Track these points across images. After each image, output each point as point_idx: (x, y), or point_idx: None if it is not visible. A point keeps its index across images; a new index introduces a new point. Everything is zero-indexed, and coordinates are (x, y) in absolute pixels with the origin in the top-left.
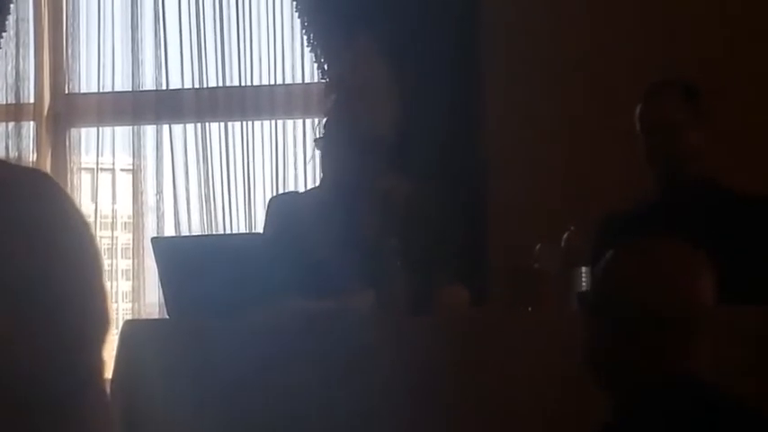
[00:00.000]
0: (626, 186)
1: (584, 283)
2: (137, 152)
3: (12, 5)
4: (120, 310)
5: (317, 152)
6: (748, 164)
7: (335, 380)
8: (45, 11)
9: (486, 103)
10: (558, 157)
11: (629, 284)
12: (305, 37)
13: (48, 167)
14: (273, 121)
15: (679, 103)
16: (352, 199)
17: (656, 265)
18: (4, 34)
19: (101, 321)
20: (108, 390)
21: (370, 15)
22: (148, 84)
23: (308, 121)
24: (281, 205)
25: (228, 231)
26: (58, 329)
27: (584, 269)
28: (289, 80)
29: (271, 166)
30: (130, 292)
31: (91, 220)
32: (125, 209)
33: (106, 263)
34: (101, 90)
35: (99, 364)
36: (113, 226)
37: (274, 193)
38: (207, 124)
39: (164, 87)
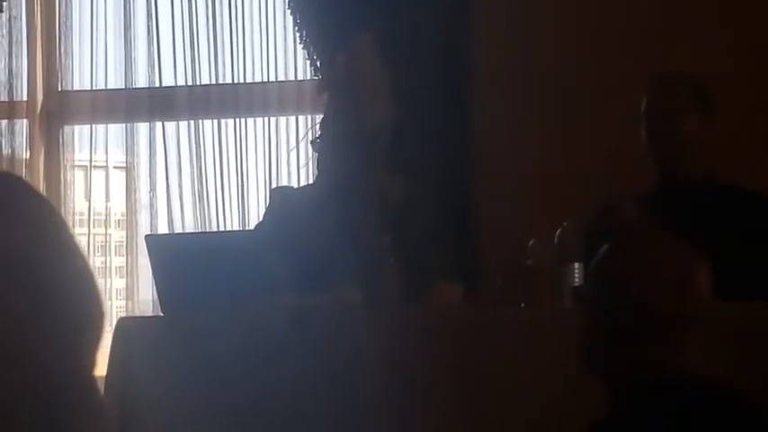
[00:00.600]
0: (620, 182)
1: (577, 279)
2: (130, 149)
3: (4, 3)
4: (113, 308)
5: (314, 153)
6: (751, 160)
7: (328, 375)
8: (38, 8)
9: (478, 101)
10: (551, 153)
11: (624, 281)
12: (297, 34)
13: (41, 165)
14: (266, 119)
15: (685, 96)
16: (345, 197)
17: (652, 261)
18: None
19: (95, 317)
20: (102, 388)
21: (363, 13)
22: (141, 81)
23: (301, 119)
24: (282, 199)
25: (222, 228)
26: (49, 325)
27: (577, 265)
28: (282, 77)
29: (264, 163)
30: (124, 290)
31: (84, 217)
32: (118, 206)
33: (99, 260)
34: (94, 87)
35: (93, 362)
36: (107, 223)
37: (267, 191)
38: (200, 121)
39: (157, 85)
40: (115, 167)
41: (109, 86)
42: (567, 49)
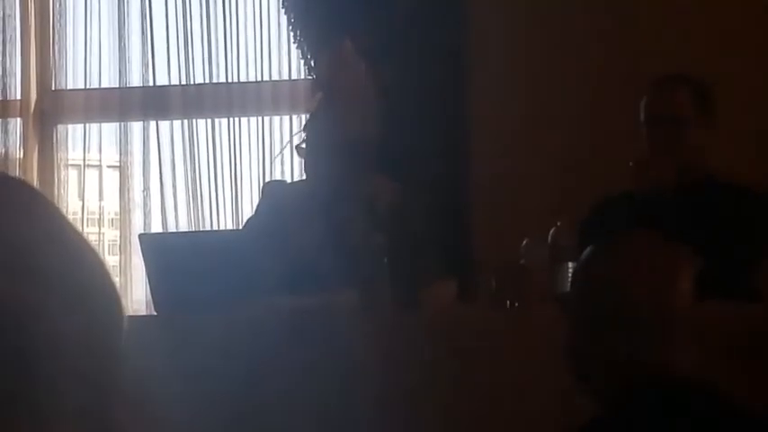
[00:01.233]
0: (614, 182)
1: (570, 279)
2: (123, 149)
3: None
4: None
5: (300, 159)
6: (750, 162)
7: (320, 377)
8: (31, 7)
9: (473, 102)
10: (545, 154)
11: (605, 283)
12: (291, 34)
13: (34, 164)
14: (260, 118)
15: (686, 97)
16: (332, 201)
17: (634, 262)
18: None
19: (119, 306)
20: None
21: (356, 15)
22: (135, 80)
23: (295, 118)
24: (274, 193)
25: (215, 228)
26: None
27: (570, 265)
28: (275, 77)
29: (258, 162)
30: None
31: (77, 216)
32: (112, 205)
33: None
34: (87, 86)
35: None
36: (100, 222)
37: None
38: (194, 121)
39: (150, 84)
40: (109, 166)
41: (103, 85)
42: (563, 49)
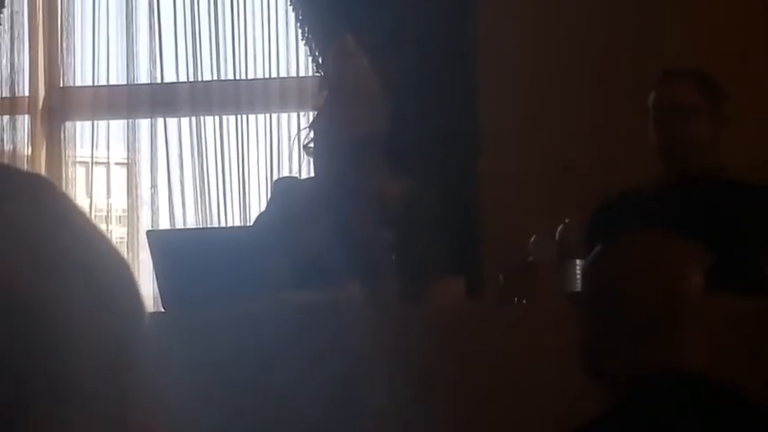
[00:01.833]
0: (622, 178)
1: (578, 276)
2: (131, 146)
3: None
4: None
5: (308, 158)
6: (758, 157)
7: (328, 373)
8: (40, 4)
9: (482, 98)
10: (553, 150)
11: (617, 279)
12: (299, 31)
13: (42, 161)
14: (268, 115)
15: (694, 92)
16: (344, 197)
17: (644, 258)
18: None
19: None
20: None
21: (363, 10)
22: (143, 77)
23: (303, 115)
24: (285, 190)
25: (223, 224)
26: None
27: (578, 262)
28: (283, 74)
29: (265, 159)
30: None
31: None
32: (120, 202)
33: None
34: (95, 83)
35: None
36: (108, 220)
37: (269, 187)
38: (201, 118)
39: (158, 81)
40: (116, 164)
41: (111, 82)
42: (571, 46)
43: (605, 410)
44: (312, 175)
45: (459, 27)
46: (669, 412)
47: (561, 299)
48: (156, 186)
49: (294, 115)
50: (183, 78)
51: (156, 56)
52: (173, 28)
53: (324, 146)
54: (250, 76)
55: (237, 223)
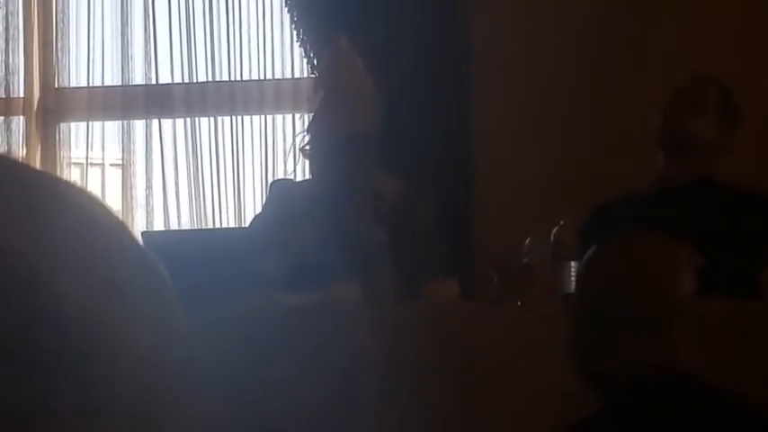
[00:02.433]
0: (617, 181)
1: (573, 278)
2: (126, 147)
3: (1, 0)
4: None
5: (305, 160)
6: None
7: (323, 373)
8: (35, 5)
9: (476, 99)
10: (548, 152)
11: (609, 282)
12: (294, 32)
13: (37, 162)
14: (263, 116)
15: (707, 96)
16: (339, 197)
17: (636, 261)
18: None
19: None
20: None
21: (358, 12)
22: (138, 78)
23: (298, 116)
24: (281, 192)
25: (218, 225)
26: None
27: (573, 263)
28: (278, 75)
29: (260, 160)
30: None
31: None
32: (114, 204)
33: None
34: (90, 84)
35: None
36: None
37: (264, 188)
38: (196, 119)
39: (153, 82)
40: (111, 165)
41: (105, 83)
42: (567, 46)
43: (598, 410)
44: (308, 177)
45: (454, 29)
46: (661, 412)
47: (556, 300)
48: (151, 187)
49: (289, 116)
50: (177, 79)
51: (150, 57)
52: (168, 29)
53: (320, 147)
54: (245, 78)
55: (232, 224)
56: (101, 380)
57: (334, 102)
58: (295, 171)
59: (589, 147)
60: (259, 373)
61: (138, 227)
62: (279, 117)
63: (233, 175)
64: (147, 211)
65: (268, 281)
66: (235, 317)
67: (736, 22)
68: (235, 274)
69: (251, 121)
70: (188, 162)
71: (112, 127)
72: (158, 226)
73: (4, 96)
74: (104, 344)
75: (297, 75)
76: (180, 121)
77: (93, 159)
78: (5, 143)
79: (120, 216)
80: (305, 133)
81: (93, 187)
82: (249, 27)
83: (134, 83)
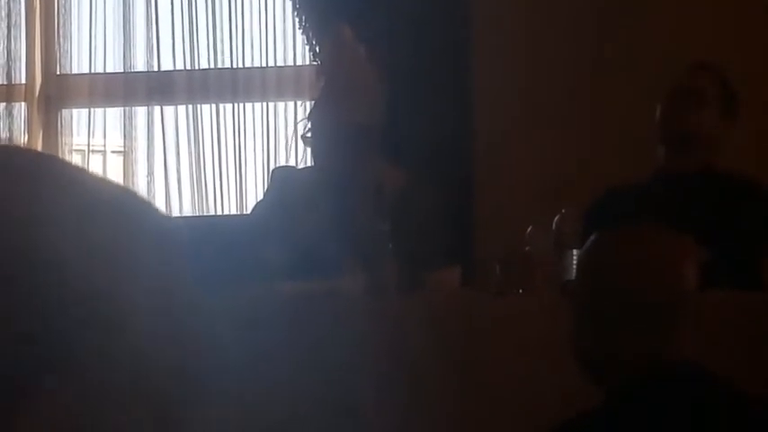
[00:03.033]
0: (620, 169)
1: (575, 267)
2: (128, 134)
3: None
4: None
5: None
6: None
7: (324, 362)
8: None
9: (478, 88)
10: (550, 141)
11: (609, 273)
12: (296, 19)
13: (39, 149)
14: (265, 103)
15: (710, 81)
16: (340, 188)
17: (637, 250)
18: None
19: None
20: None
21: (362, 2)
22: (140, 65)
23: (300, 104)
24: (283, 179)
25: (220, 213)
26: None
27: (575, 252)
28: (280, 62)
29: (262, 147)
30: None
31: None
32: None
33: None
34: (92, 71)
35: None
36: None
37: (266, 175)
38: (198, 106)
39: (155, 69)
40: (113, 152)
41: (107, 70)
42: (567, 36)
43: (599, 402)
44: (310, 164)
45: (456, 19)
46: (663, 404)
47: (557, 289)
48: (153, 174)
49: (291, 104)
50: (179, 66)
51: (152, 44)
52: (170, 16)
53: (321, 135)
54: (247, 65)
55: (234, 211)
56: (102, 345)
57: (336, 91)
58: (296, 158)
59: (591, 135)
60: (259, 362)
61: None
62: (281, 104)
63: (235, 163)
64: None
65: (269, 269)
66: (235, 305)
67: (734, 20)
68: (236, 261)
69: (253, 108)
70: (190, 149)
71: (114, 114)
72: None
73: (5, 83)
74: (106, 313)
75: (299, 62)
76: (182, 108)
77: (95, 146)
78: (7, 130)
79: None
80: (306, 121)
81: None
82: (251, 14)
83: (136, 69)
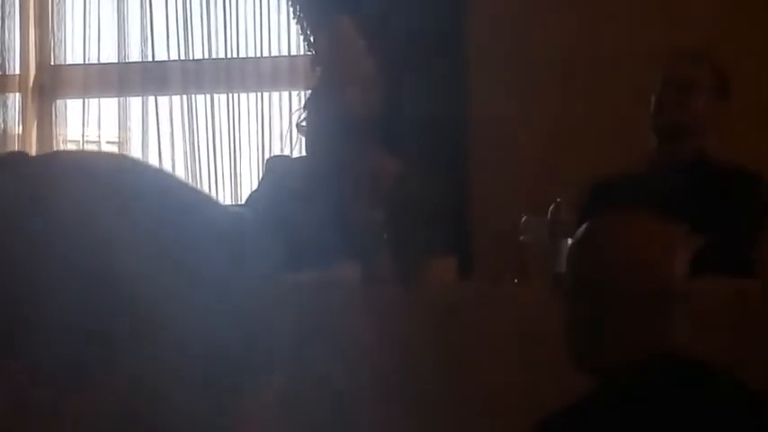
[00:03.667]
0: (614, 159)
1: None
2: (123, 124)
3: None
4: None
5: (300, 137)
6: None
7: (318, 353)
8: None
9: (470, 78)
10: (545, 131)
11: (600, 263)
12: (291, 9)
13: (33, 139)
14: (259, 94)
15: (700, 68)
16: (336, 177)
17: (628, 240)
18: None
19: None
20: None
21: None
22: (134, 55)
23: (294, 94)
24: (277, 168)
25: None
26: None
27: (569, 241)
28: (275, 52)
29: (256, 137)
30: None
31: None
32: None
33: None
34: (87, 61)
35: None
36: None
37: (260, 165)
38: (193, 96)
39: (150, 59)
40: (107, 142)
41: (102, 61)
42: (564, 26)
43: (592, 391)
44: (304, 153)
45: (452, 8)
46: (658, 393)
47: (552, 278)
48: None
49: (285, 94)
50: (174, 57)
51: (147, 34)
52: (164, 6)
53: (317, 125)
54: (241, 55)
55: (229, 202)
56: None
57: (333, 83)
58: (291, 148)
59: (586, 125)
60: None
61: None
62: (275, 94)
63: (229, 152)
64: None
65: (265, 260)
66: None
67: (730, 16)
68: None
69: (247, 99)
70: (184, 139)
71: (109, 104)
72: None
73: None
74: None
75: (293, 52)
76: (176, 99)
77: (90, 137)
78: (1, 120)
79: None
80: (302, 110)
81: None
82: (245, 4)
83: (130, 60)
